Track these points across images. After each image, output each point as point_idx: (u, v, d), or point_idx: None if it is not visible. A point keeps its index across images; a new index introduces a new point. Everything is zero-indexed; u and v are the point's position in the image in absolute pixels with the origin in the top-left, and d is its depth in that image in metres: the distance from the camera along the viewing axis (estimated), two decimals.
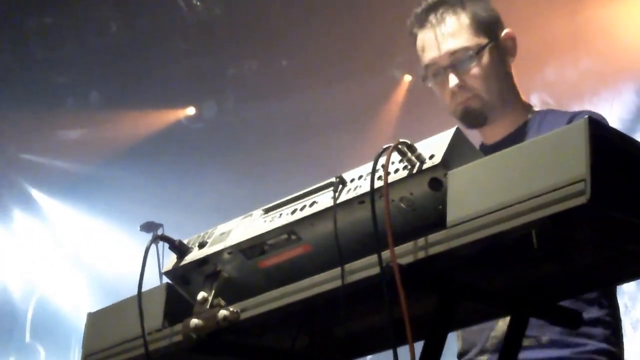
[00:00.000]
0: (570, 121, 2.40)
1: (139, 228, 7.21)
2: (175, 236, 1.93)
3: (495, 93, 2.50)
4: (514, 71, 2.59)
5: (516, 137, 2.49)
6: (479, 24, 2.49)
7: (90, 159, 9.10)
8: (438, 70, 2.50)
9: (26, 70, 8.38)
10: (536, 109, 2.59)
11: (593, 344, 2.30)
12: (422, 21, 2.53)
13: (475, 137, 2.57)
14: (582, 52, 7.47)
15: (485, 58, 2.48)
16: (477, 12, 2.50)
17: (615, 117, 7.06)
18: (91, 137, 9.06)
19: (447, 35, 2.49)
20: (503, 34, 2.53)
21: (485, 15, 2.52)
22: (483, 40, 2.48)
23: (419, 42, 2.54)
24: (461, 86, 2.48)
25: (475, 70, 2.47)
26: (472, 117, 2.51)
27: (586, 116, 1.45)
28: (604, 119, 2.40)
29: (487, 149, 2.54)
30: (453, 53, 2.47)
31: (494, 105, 2.50)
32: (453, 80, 2.47)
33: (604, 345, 2.32)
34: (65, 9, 8.07)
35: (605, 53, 7.33)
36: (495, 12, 2.56)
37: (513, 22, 2.65)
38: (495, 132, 2.55)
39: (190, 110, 8.98)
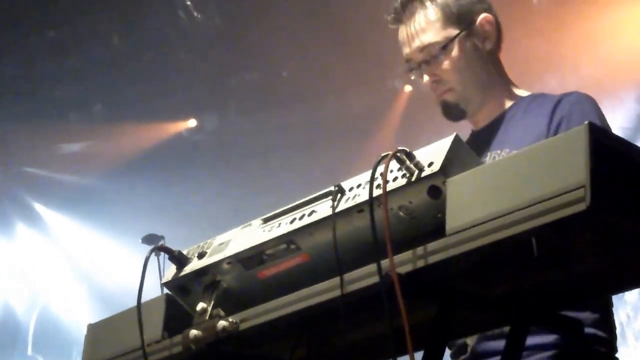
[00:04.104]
0: (558, 103, 2.38)
1: (140, 240, 7.20)
2: (177, 248, 1.92)
3: (471, 84, 2.48)
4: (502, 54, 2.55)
5: (502, 120, 2.48)
6: (448, 16, 2.46)
7: (92, 171, 9.11)
8: (413, 66, 2.51)
9: (29, 83, 8.39)
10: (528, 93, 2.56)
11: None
12: (396, 17, 2.53)
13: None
14: (582, 60, 7.46)
15: (456, 50, 2.45)
16: (446, 3, 2.47)
17: (617, 125, 7.04)
18: (93, 149, 9.07)
19: (416, 31, 2.48)
20: (478, 19, 2.48)
21: (454, 5, 2.47)
22: (452, 32, 2.45)
23: (398, 37, 2.55)
24: (435, 81, 2.49)
25: (446, 63, 2.45)
26: (450, 112, 2.51)
27: (586, 122, 1.43)
28: (592, 100, 2.40)
29: (475, 135, 2.55)
30: (422, 49, 2.47)
31: (471, 97, 2.48)
32: (426, 76, 2.49)
33: (591, 330, 2.18)
34: (67, 22, 8.09)
35: (606, 61, 7.33)
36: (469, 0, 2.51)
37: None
38: (482, 117, 2.53)
39: (192, 122, 8.98)
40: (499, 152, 2.37)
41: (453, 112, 2.50)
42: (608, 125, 2.38)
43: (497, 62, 2.55)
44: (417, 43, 2.47)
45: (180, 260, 1.89)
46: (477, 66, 2.48)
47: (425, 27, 2.46)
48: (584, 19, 7.29)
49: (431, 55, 2.46)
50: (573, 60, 7.48)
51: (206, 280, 1.83)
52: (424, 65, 2.47)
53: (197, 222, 8.39)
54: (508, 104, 2.52)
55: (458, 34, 2.45)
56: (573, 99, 2.39)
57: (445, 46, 2.44)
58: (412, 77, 2.55)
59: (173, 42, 8.27)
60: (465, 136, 2.48)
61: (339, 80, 8.25)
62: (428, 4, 2.47)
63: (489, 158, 2.38)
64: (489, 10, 2.52)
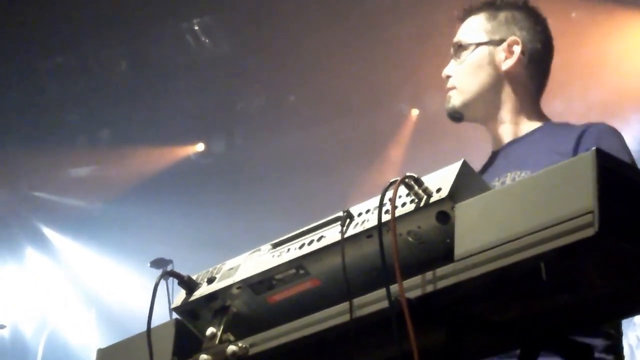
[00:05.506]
0: (583, 133, 2.39)
1: (149, 264, 7.21)
2: (185, 272, 1.93)
3: (473, 90, 2.54)
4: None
5: (523, 141, 2.51)
6: (487, 25, 2.56)
7: (101, 195, 9.14)
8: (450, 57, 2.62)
9: (37, 108, 8.45)
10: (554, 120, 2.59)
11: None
12: (462, 14, 2.63)
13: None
14: (589, 83, 7.48)
15: (472, 54, 2.54)
16: (494, 16, 2.56)
17: None
18: (102, 174, 9.10)
19: (461, 29, 2.60)
20: (509, 39, 2.53)
21: (499, 20, 2.56)
22: (481, 39, 2.54)
23: None
24: (448, 76, 2.58)
25: (461, 62, 2.55)
26: (449, 110, 2.58)
27: (594, 148, 1.44)
28: (619, 133, 2.42)
29: (494, 155, 2.58)
30: (454, 44, 2.58)
31: (470, 103, 2.55)
32: (447, 68, 2.58)
33: (601, 355, 2.21)
34: (75, 48, 8.14)
35: (613, 85, 7.34)
36: (519, 21, 2.56)
37: None
38: (501, 136, 2.57)
39: (200, 147, 9.01)
40: (519, 173, 2.38)
41: (450, 112, 2.58)
42: (633, 158, 2.38)
43: (518, 86, 2.56)
44: (455, 38, 2.60)
45: (189, 285, 1.90)
46: (487, 78, 2.54)
47: (470, 28, 2.58)
48: (590, 43, 7.31)
49: (455, 51, 2.57)
50: (580, 84, 7.50)
51: (216, 305, 1.84)
52: (451, 60, 2.58)
53: (205, 246, 8.39)
54: (528, 127, 2.54)
55: (483, 43, 2.53)
56: (599, 131, 2.40)
57: (462, 45, 2.54)
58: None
59: (180, 67, 8.31)
60: (473, 160, 2.49)
61: (346, 104, 8.27)
62: (490, 10, 2.57)
63: (509, 179, 2.39)
64: (527, 38, 2.55)
